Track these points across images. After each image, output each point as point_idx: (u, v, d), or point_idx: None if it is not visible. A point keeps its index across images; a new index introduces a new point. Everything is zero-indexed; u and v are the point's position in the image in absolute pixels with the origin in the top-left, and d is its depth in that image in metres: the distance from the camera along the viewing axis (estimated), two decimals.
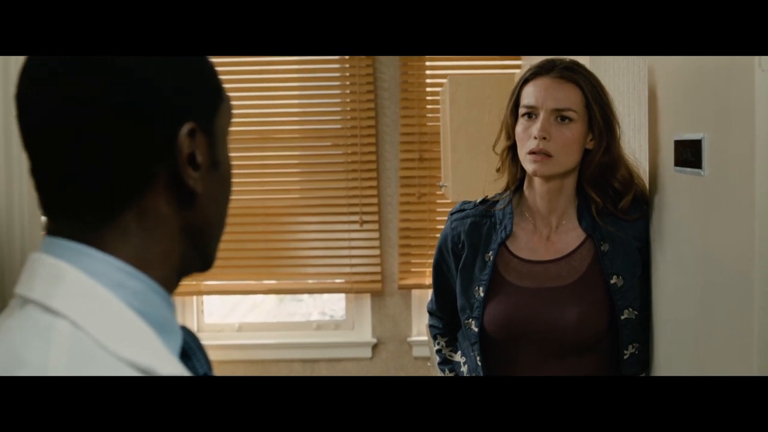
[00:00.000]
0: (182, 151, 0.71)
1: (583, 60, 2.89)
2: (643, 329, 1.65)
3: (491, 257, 1.68)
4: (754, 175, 1.13)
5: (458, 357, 1.85)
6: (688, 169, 1.37)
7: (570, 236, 1.68)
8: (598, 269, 1.64)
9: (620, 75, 2.54)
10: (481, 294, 1.67)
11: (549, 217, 1.69)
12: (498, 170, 1.75)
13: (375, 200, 4.02)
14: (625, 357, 1.63)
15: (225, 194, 0.79)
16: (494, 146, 1.75)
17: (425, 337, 3.93)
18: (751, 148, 1.13)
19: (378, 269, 4.04)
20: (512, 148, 1.69)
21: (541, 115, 1.61)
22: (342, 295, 4.20)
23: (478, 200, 1.78)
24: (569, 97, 1.62)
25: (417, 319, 4.06)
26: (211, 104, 0.76)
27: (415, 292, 4.05)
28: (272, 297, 4.35)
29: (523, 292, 1.66)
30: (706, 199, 1.32)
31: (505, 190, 1.74)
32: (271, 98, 4.03)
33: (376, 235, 4.03)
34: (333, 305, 4.32)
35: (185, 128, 0.71)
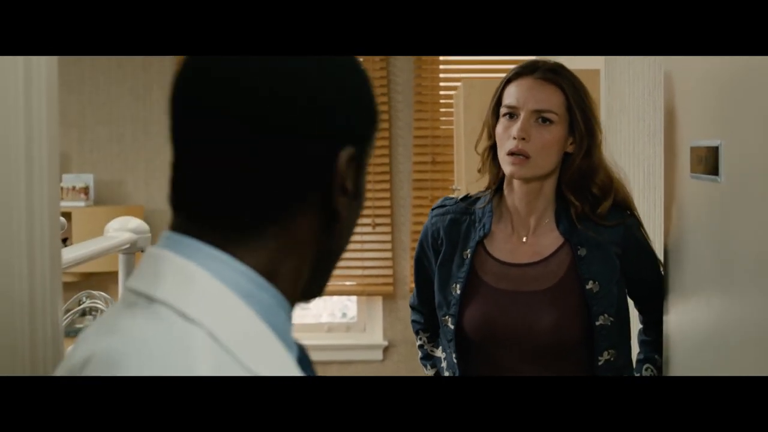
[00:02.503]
0: (340, 177, 0.68)
1: (599, 62, 2.89)
2: (619, 336, 1.64)
3: (469, 255, 1.67)
4: None
5: (439, 353, 1.85)
6: (705, 176, 1.37)
7: (548, 239, 1.67)
8: (575, 274, 1.63)
9: (635, 80, 2.53)
10: (458, 291, 1.67)
11: (527, 219, 1.68)
12: (479, 170, 1.75)
13: (387, 203, 4.03)
14: (600, 363, 1.62)
15: (356, 223, 0.76)
16: (476, 146, 1.75)
17: None
18: None
19: (390, 272, 4.04)
20: (493, 148, 1.69)
21: (522, 116, 1.60)
22: (346, 298, 4.21)
23: (460, 197, 1.77)
24: (551, 98, 1.61)
25: None
26: (368, 131, 0.73)
27: None
28: None
29: (500, 294, 1.65)
30: (723, 207, 1.31)
31: (486, 189, 1.74)
32: None
33: (388, 237, 4.03)
34: (341, 305, 4.33)
35: (345, 154, 0.69)
